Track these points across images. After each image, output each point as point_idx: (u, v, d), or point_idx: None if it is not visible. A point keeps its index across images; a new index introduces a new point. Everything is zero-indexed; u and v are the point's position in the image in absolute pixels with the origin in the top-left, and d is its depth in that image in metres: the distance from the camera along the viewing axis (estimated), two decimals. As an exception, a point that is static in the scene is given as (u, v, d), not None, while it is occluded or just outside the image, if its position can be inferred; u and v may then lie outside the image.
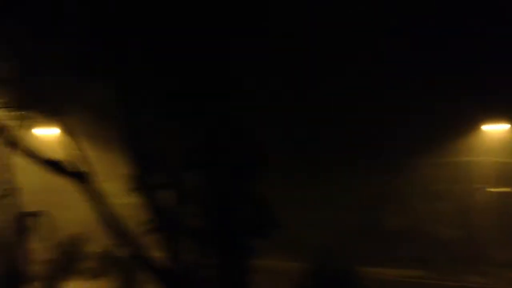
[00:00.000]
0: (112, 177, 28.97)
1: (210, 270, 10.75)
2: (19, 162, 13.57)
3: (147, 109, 10.58)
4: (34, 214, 14.06)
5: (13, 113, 12.65)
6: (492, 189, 26.03)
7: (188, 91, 9.75)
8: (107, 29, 9.63)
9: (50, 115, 11.56)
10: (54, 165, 10.67)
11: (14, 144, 11.61)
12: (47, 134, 15.66)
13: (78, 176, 10.77)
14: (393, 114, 22.70)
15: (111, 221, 11.01)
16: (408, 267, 23.46)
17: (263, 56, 10.97)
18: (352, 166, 23.93)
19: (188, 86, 9.75)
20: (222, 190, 10.21)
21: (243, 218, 10.51)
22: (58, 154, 11.65)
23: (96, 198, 10.82)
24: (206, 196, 10.46)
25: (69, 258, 14.71)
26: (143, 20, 9.45)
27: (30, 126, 13.83)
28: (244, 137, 10.03)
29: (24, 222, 13.44)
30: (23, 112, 12.75)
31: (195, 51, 9.44)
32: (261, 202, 10.33)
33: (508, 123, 25.57)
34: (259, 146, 10.18)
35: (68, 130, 11.42)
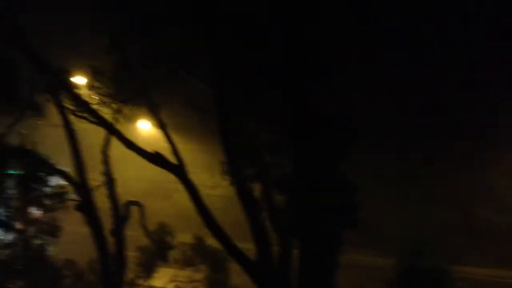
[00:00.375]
0: (205, 168, 29.80)
1: (299, 261, 10.65)
2: (117, 153, 14.33)
3: (240, 100, 10.68)
4: (131, 204, 14.63)
5: (114, 106, 13.39)
6: None
7: (279, 78, 9.66)
8: (204, 25, 9.75)
9: (149, 108, 12.06)
10: (150, 157, 11.02)
11: (114, 135, 12.24)
12: (145, 127, 16.31)
13: (173, 167, 11.05)
14: (495, 111, 21.39)
15: (203, 212, 11.20)
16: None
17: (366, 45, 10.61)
18: (454, 161, 22.79)
19: (280, 73, 9.65)
20: (313, 179, 10.03)
21: (332, 208, 10.30)
22: (154, 146, 12.11)
23: (189, 189, 11.04)
24: (295, 185, 10.35)
25: (161, 247, 15.19)
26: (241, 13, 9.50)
27: (130, 119, 14.57)
28: (338, 126, 9.78)
29: (122, 211, 14.02)
30: (124, 105, 13.45)
31: (291, 38, 9.34)
32: (351, 192, 10.06)
33: None
34: (355, 135, 9.89)
35: (164, 123, 11.84)
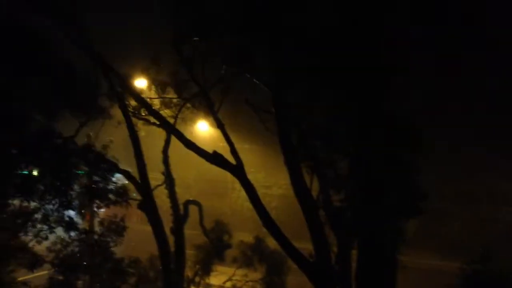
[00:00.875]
0: (262, 168, 29.79)
1: (357, 262, 10.48)
2: (176, 153, 14.68)
3: (299, 99, 10.67)
4: (190, 203, 14.95)
5: (175, 107, 13.77)
6: None
7: (342, 78, 9.57)
8: (261, 23, 9.81)
9: (208, 108, 12.27)
10: (209, 157, 11.18)
11: (174, 136, 12.53)
12: (203, 127, 16.58)
13: (231, 167, 11.16)
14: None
15: (260, 211, 11.23)
16: None
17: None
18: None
19: (342, 73, 9.57)
20: (373, 178, 9.84)
21: (393, 208, 10.08)
22: (212, 146, 12.30)
23: (247, 188, 11.11)
24: (354, 184, 10.21)
25: (218, 246, 15.40)
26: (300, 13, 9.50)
27: (189, 120, 14.92)
28: (400, 125, 9.56)
29: (181, 210, 14.35)
30: (184, 106, 13.81)
31: (356, 37, 9.25)
32: (415, 193, 9.80)
33: None
34: (417, 135, 9.64)
35: (222, 123, 12.01)
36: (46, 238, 11.50)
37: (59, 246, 12.46)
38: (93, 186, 11.12)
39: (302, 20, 9.67)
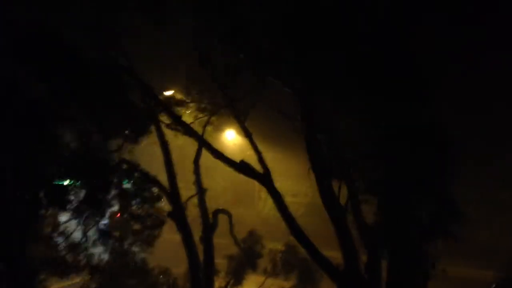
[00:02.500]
0: (288, 176, 29.72)
1: (387, 271, 10.36)
2: (203, 163, 14.81)
3: (327, 107, 10.67)
4: (219, 212, 15.00)
5: (204, 118, 13.92)
6: None
7: (373, 86, 9.54)
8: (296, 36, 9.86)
9: (236, 118, 12.38)
10: (237, 166, 11.26)
11: (203, 146, 12.69)
12: (231, 135, 16.73)
13: (258, 176, 11.22)
14: None
15: (288, 219, 11.24)
16: None
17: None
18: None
19: (373, 81, 9.54)
20: (405, 186, 9.74)
21: (426, 216, 9.95)
22: (240, 154, 12.41)
23: (275, 197, 11.14)
24: (387, 191, 10.11)
25: (250, 255, 15.40)
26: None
27: (218, 129, 15.06)
28: (433, 132, 9.46)
29: (210, 219, 14.42)
30: (213, 116, 13.95)
31: (387, 47, 9.23)
32: (448, 202, 9.64)
33: None
34: (450, 142, 9.51)
35: (249, 132, 12.10)
36: (83, 250, 11.73)
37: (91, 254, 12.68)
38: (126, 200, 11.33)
39: (332, 25, 9.68)
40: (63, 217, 11.20)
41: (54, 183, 10.09)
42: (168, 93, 14.84)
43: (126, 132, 11.44)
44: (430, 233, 9.91)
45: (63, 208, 9.98)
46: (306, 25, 9.71)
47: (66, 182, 10.45)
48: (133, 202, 11.53)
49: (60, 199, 9.79)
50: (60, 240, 11.66)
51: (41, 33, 9.39)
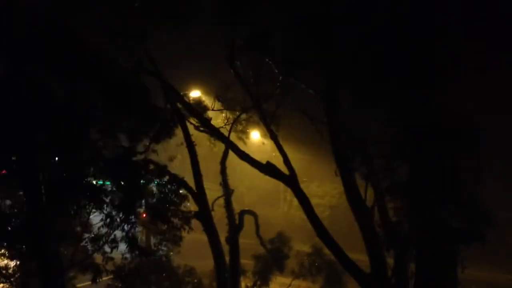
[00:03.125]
0: (314, 178, 29.51)
1: (415, 275, 10.22)
2: (229, 164, 14.88)
3: (353, 109, 10.61)
4: (245, 213, 15.04)
5: (230, 119, 14.03)
6: None
7: (398, 85, 9.45)
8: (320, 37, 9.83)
9: (262, 119, 12.41)
10: (262, 167, 11.26)
11: (229, 147, 12.75)
12: (257, 137, 16.74)
13: (284, 177, 11.19)
14: None
15: (314, 221, 11.16)
16: None
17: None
18: None
19: (399, 80, 9.45)
20: (431, 187, 9.58)
21: (454, 218, 9.78)
22: (266, 155, 12.40)
23: (300, 198, 11.10)
24: (413, 193, 9.97)
25: (277, 256, 15.39)
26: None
27: (244, 131, 15.12)
28: (462, 132, 9.30)
29: (236, 220, 14.47)
30: (239, 118, 14.04)
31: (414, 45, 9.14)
32: (477, 203, 9.46)
33: None
34: (480, 142, 9.34)
35: (275, 133, 12.09)
36: (109, 252, 11.91)
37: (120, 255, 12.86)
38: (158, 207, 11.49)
39: (357, 27, 9.62)
40: (94, 217, 11.41)
41: (92, 183, 10.30)
42: (195, 94, 14.98)
43: (150, 133, 11.58)
44: (459, 236, 9.75)
45: (100, 207, 10.15)
46: (329, 26, 9.68)
47: (101, 183, 10.67)
48: (160, 202, 11.62)
49: (98, 199, 9.98)
50: (89, 239, 11.88)
51: (67, 35, 9.58)
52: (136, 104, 10.49)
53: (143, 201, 11.26)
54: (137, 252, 11.21)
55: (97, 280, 11.17)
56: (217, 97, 13.93)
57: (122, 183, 10.25)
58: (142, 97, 10.70)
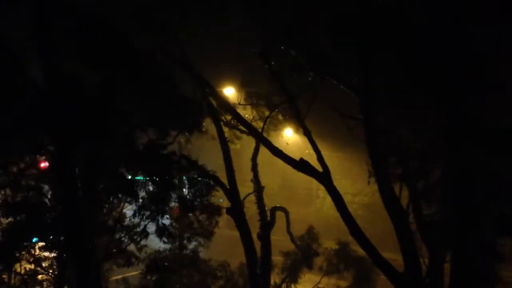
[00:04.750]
0: (347, 175, 29.22)
1: (451, 275, 9.99)
2: (261, 160, 14.89)
3: (388, 107, 10.44)
4: (276, 209, 15.03)
5: (263, 115, 14.03)
6: None
7: (435, 85, 9.24)
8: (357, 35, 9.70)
9: (295, 116, 12.36)
10: (296, 164, 11.20)
11: (262, 143, 12.73)
12: (290, 134, 16.73)
13: (318, 174, 11.11)
14: None
15: (347, 219, 11.04)
16: None
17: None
18: None
19: (436, 80, 9.24)
20: (467, 187, 9.34)
21: (490, 217, 9.52)
22: (299, 153, 12.34)
23: (334, 196, 10.99)
24: (449, 194, 9.75)
25: (307, 253, 15.34)
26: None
27: (277, 127, 15.11)
28: (497, 134, 9.05)
29: (268, 216, 14.47)
30: (272, 114, 14.03)
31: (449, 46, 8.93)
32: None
33: None
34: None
35: (308, 130, 12.01)
36: (141, 241, 12.13)
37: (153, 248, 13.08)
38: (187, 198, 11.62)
39: (393, 25, 9.45)
40: (127, 211, 11.64)
41: (126, 177, 10.51)
42: (229, 91, 15.04)
43: (178, 127, 11.69)
44: (498, 235, 9.51)
45: (136, 200, 10.36)
46: (367, 24, 9.53)
47: (136, 177, 10.88)
48: (192, 198, 11.75)
49: (132, 192, 10.18)
50: (122, 233, 12.13)
51: (97, 24, 9.75)
52: (167, 96, 10.61)
53: (175, 195, 11.42)
54: (166, 240, 11.35)
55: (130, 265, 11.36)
56: (247, 93, 13.96)
57: (154, 177, 10.40)
58: (173, 89, 10.81)
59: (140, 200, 10.34)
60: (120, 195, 10.15)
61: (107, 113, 9.76)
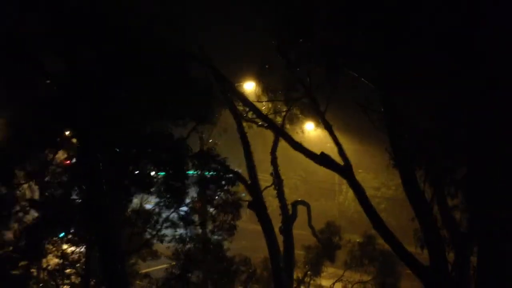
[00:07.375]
0: (370, 169, 28.96)
1: (477, 270, 9.82)
2: (283, 154, 14.85)
3: (411, 100, 10.28)
4: (298, 203, 15.01)
5: (282, 109, 13.98)
6: None
7: (459, 79, 9.06)
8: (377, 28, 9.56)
9: (315, 109, 12.28)
10: (317, 158, 11.14)
11: (282, 137, 12.71)
12: (311, 127, 16.65)
13: (339, 168, 11.03)
14: None
15: (370, 213, 10.95)
16: None
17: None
18: None
19: (459, 73, 9.06)
20: (491, 180, 9.15)
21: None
22: (320, 146, 12.26)
23: (356, 190, 10.90)
24: (473, 186, 9.56)
25: (328, 247, 15.29)
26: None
27: (297, 121, 15.03)
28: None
29: (289, 210, 14.46)
30: (291, 108, 13.97)
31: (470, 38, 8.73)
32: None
33: None
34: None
35: (329, 124, 11.92)
36: (164, 236, 12.26)
37: (176, 242, 13.18)
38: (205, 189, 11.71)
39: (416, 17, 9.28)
40: (147, 205, 11.79)
41: (143, 172, 10.65)
42: (249, 86, 15.02)
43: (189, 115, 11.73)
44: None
45: (149, 193, 10.50)
46: (388, 17, 9.38)
47: (153, 173, 11.01)
48: (214, 192, 11.87)
49: (147, 186, 10.32)
50: (143, 221, 12.27)
51: (109, 18, 9.81)
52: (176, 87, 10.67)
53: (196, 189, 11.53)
54: (189, 229, 11.48)
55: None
56: (265, 88, 13.91)
57: (171, 171, 10.53)
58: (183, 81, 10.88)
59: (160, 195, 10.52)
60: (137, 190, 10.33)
61: (120, 103, 9.90)
